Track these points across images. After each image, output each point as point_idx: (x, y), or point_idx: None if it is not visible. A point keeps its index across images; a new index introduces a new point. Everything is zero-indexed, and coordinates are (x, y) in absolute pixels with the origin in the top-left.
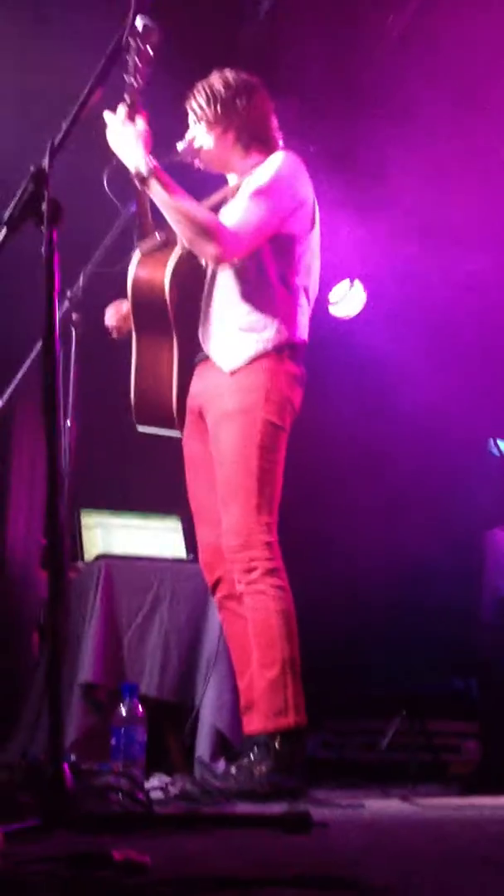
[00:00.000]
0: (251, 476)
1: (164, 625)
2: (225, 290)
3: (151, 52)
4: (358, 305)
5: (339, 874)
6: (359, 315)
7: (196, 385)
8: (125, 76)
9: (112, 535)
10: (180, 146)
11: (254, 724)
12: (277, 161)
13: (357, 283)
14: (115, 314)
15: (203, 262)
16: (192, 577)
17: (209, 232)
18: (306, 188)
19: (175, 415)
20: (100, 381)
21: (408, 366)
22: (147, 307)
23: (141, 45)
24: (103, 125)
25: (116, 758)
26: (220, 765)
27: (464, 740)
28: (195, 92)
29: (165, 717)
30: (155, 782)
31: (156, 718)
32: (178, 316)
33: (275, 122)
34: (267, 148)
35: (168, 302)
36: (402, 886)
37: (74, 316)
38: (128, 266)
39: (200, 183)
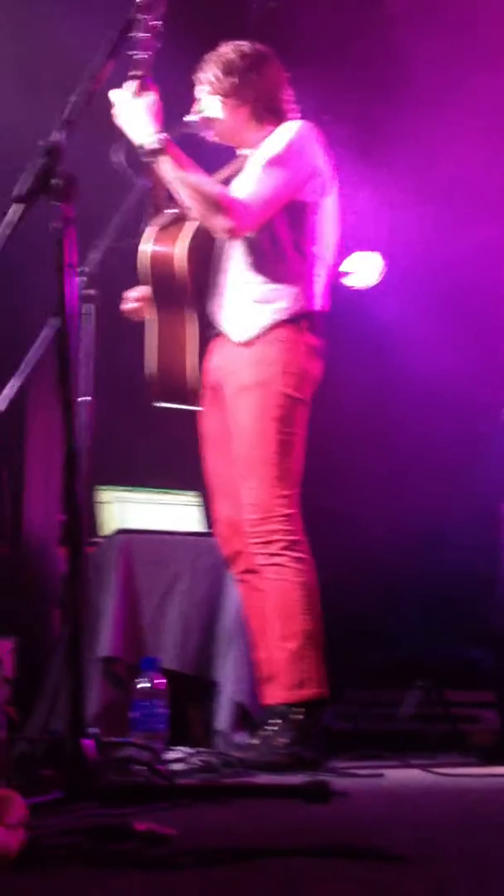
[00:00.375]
0: (269, 449)
1: (184, 599)
2: (238, 261)
3: (159, 24)
4: (375, 276)
5: (360, 843)
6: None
7: (212, 360)
8: (133, 50)
9: (129, 510)
10: (192, 118)
11: (274, 695)
12: (290, 130)
13: (375, 253)
14: (140, 297)
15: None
16: (210, 551)
17: (221, 206)
18: (319, 157)
19: (193, 390)
20: (118, 357)
21: (423, 336)
22: (164, 282)
23: (148, 16)
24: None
25: (138, 731)
26: (241, 736)
27: (483, 710)
28: (208, 63)
29: (186, 690)
30: (176, 754)
31: (176, 692)
32: (196, 290)
33: (289, 94)
34: (280, 120)
35: (187, 276)
36: (423, 855)
37: (91, 291)
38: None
39: (211, 155)
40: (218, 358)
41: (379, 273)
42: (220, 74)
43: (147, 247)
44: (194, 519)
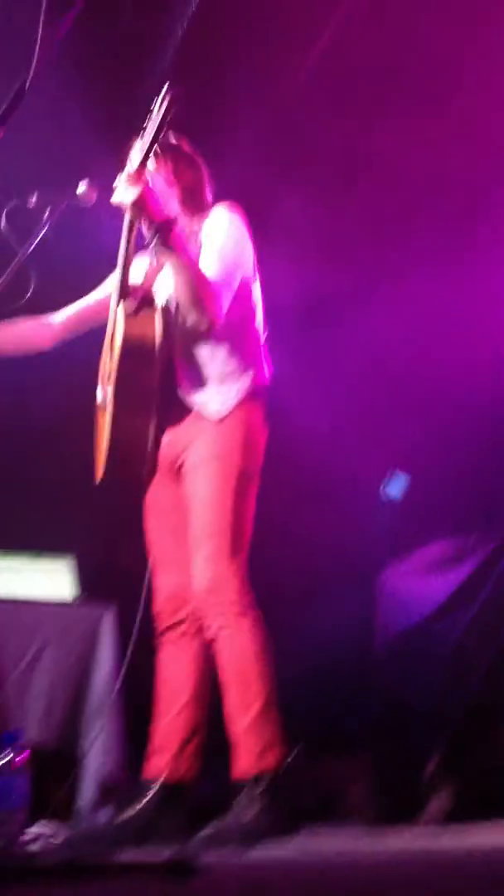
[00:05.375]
0: (226, 520)
1: (50, 669)
2: (198, 341)
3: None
4: None
5: None
6: None
7: (172, 433)
8: (142, 138)
9: None
10: (83, 185)
11: (237, 768)
12: (226, 218)
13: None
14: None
15: (187, 320)
16: (80, 619)
17: (211, 298)
18: (248, 239)
19: (147, 467)
20: None
21: (302, 403)
22: (133, 364)
23: (164, 111)
24: None
25: None
26: (105, 813)
27: (353, 779)
28: (171, 134)
29: (49, 764)
30: (36, 831)
31: (39, 766)
32: (163, 372)
33: (210, 190)
34: (202, 210)
35: (157, 359)
36: None
37: None
38: (19, 307)
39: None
40: (179, 431)
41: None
42: (169, 143)
43: (119, 330)
44: (66, 586)
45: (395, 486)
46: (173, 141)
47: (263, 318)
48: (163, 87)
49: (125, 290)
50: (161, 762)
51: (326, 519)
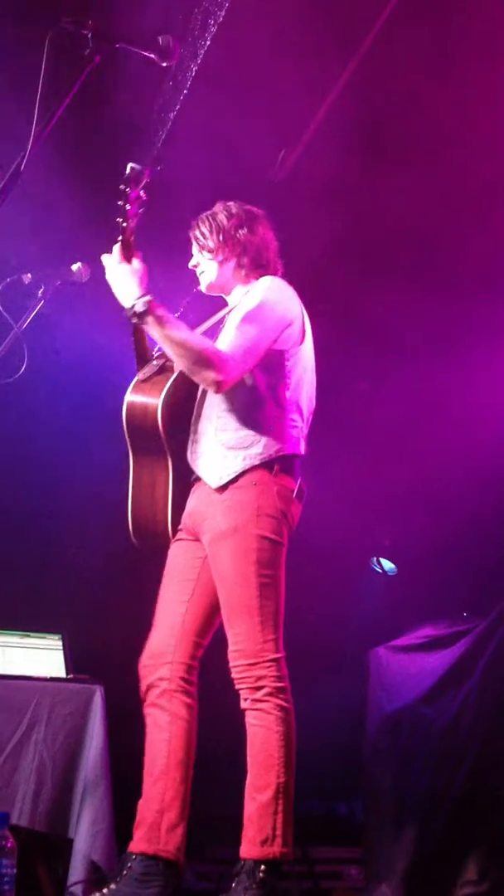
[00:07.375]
0: (252, 594)
1: (39, 749)
2: (216, 408)
3: (143, 195)
4: None
5: None
6: None
7: (190, 503)
8: (118, 219)
9: None
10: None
11: (243, 846)
12: (263, 286)
13: None
14: None
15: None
16: (70, 697)
17: (209, 360)
18: (294, 307)
19: (170, 535)
20: None
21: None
22: (141, 431)
23: (132, 188)
24: None
25: None
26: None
27: (346, 866)
28: (199, 222)
29: (37, 846)
30: None
31: (27, 849)
32: (173, 439)
33: (275, 249)
34: (267, 273)
35: (160, 427)
36: None
37: None
38: (13, 380)
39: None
40: (196, 502)
41: None
42: (206, 232)
43: (126, 397)
44: (57, 662)
45: (388, 562)
46: (226, 211)
47: (310, 389)
48: (127, 167)
49: (141, 357)
50: (139, 834)
51: (319, 591)
